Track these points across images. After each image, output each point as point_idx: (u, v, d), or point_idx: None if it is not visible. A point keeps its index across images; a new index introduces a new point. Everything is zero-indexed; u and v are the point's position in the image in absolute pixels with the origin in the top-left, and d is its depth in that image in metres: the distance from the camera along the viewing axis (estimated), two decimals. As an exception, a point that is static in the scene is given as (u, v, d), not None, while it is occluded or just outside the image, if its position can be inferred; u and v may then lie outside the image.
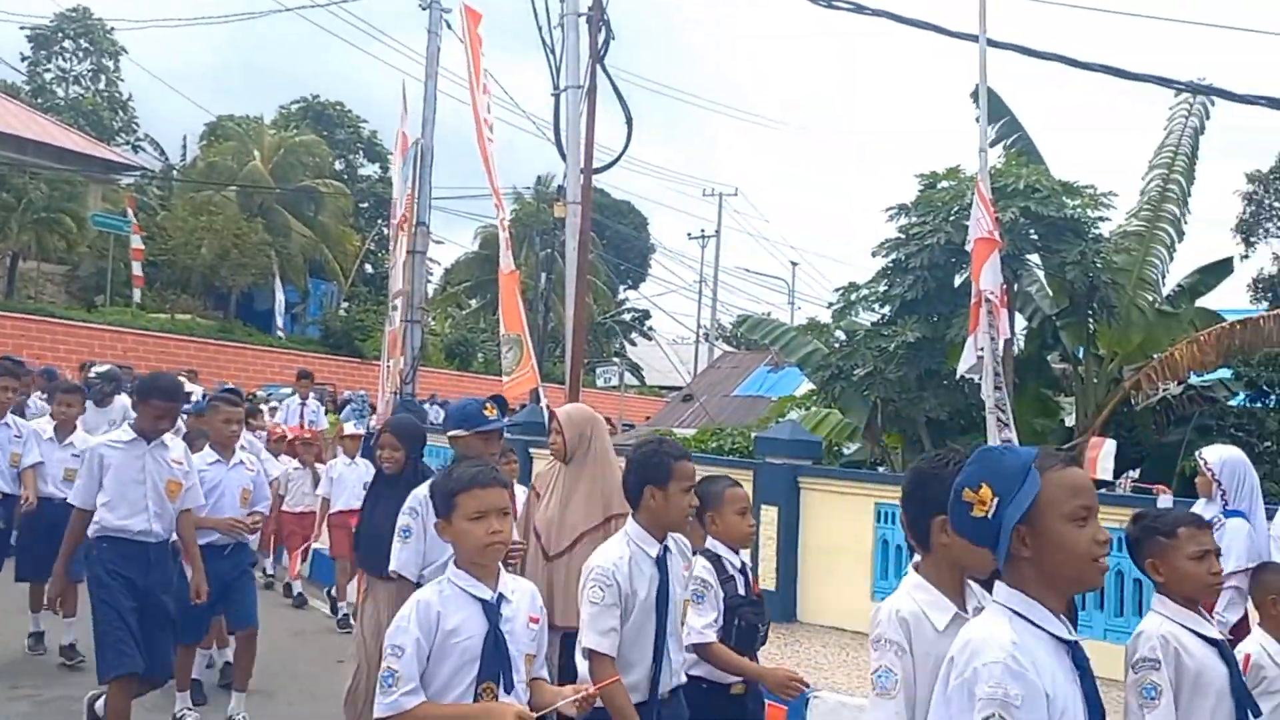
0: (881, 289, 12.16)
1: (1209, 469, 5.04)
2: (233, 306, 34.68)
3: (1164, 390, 12.11)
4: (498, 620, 2.86)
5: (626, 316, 50.28)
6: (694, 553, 3.86)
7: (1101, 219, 11.55)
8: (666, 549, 3.44)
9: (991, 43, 8.88)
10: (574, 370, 12.01)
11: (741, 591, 3.84)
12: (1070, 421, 12.94)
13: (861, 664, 7.62)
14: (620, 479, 4.48)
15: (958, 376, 9.62)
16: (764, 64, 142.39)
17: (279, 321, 33.94)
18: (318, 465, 9.27)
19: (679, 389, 33.09)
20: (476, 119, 11.40)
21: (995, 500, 1.98)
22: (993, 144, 12.52)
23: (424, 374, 24.85)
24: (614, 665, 3.23)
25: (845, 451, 14.86)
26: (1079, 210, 11.18)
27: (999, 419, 6.79)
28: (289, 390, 16.77)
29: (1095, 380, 12.38)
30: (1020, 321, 12.50)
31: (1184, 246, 12.84)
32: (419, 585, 4.15)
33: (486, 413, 4.63)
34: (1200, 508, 4.91)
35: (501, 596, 2.90)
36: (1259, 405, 12.36)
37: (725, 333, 44.95)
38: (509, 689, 2.85)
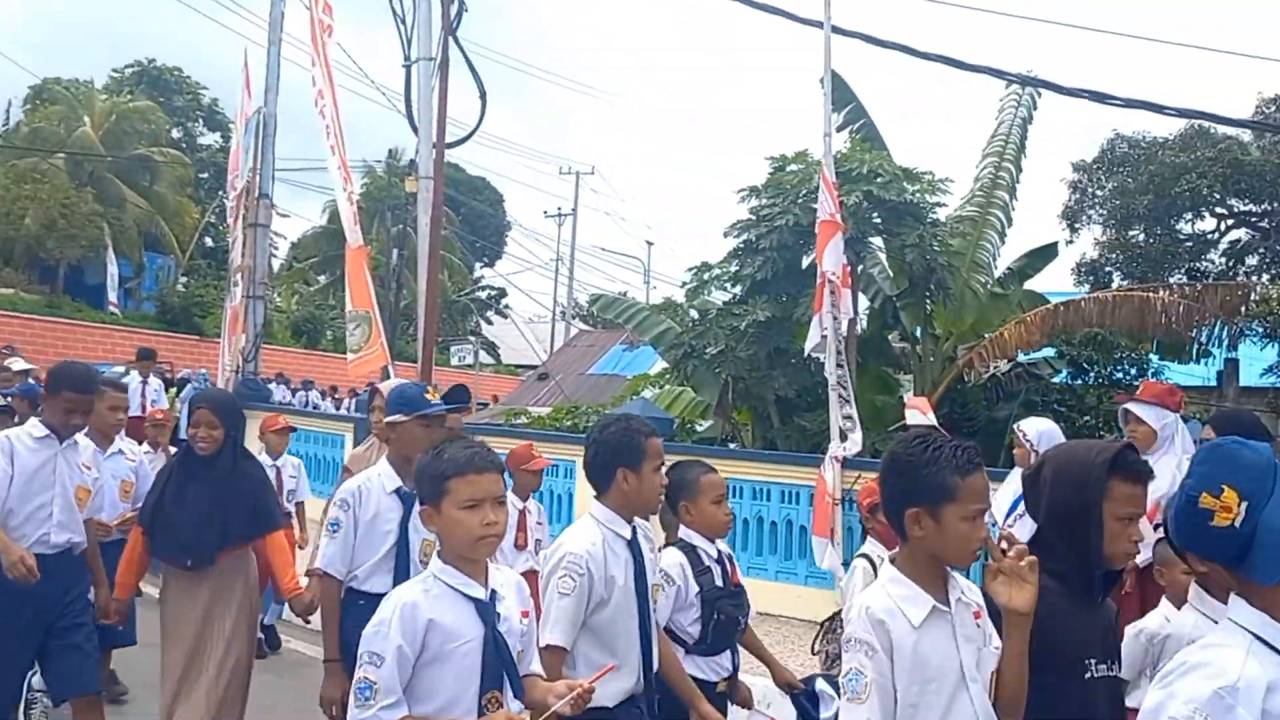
0: (733, 269, 12.34)
1: (1027, 440, 5.36)
2: (61, 280, 32.67)
3: (994, 368, 12.77)
4: (495, 621, 2.59)
5: (482, 294, 49.69)
6: (667, 544, 3.71)
7: (939, 204, 12.04)
8: (635, 531, 3.27)
9: (836, 29, 9.15)
10: (426, 348, 11.84)
11: (719, 583, 3.67)
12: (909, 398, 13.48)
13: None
14: None
15: (805, 355, 9.93)
16: (619, 41, 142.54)
17: (111, 296, 32.11)
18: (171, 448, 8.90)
19: (535, 367, 32.99)
20: (329, 86, 11.07)
21: (1243, 505, 1.65)
22: (839, 129, 12.88)
23: (269, 352, 24.04)
24: (565, 661, 3.06)
25: (698, 429, 15.14)
26: (918, 195, 11.61)
27: (840, 395, 7.04)
28: (122, 369, 15.97)
29: (932, 359, 12.93)
30: (863, 302, 12.92)
31: (1014, 231, 13.54)
32: (348, 587, 3.95)
33: (429, 396, 4.24)
34: (1016, 474, 5.22)
35: (494, 593, 2.63)
36: (1079, 382, 13.15)
37: (582, 311, 45.01)
38: (517, 694, 2.62)
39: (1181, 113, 11.29)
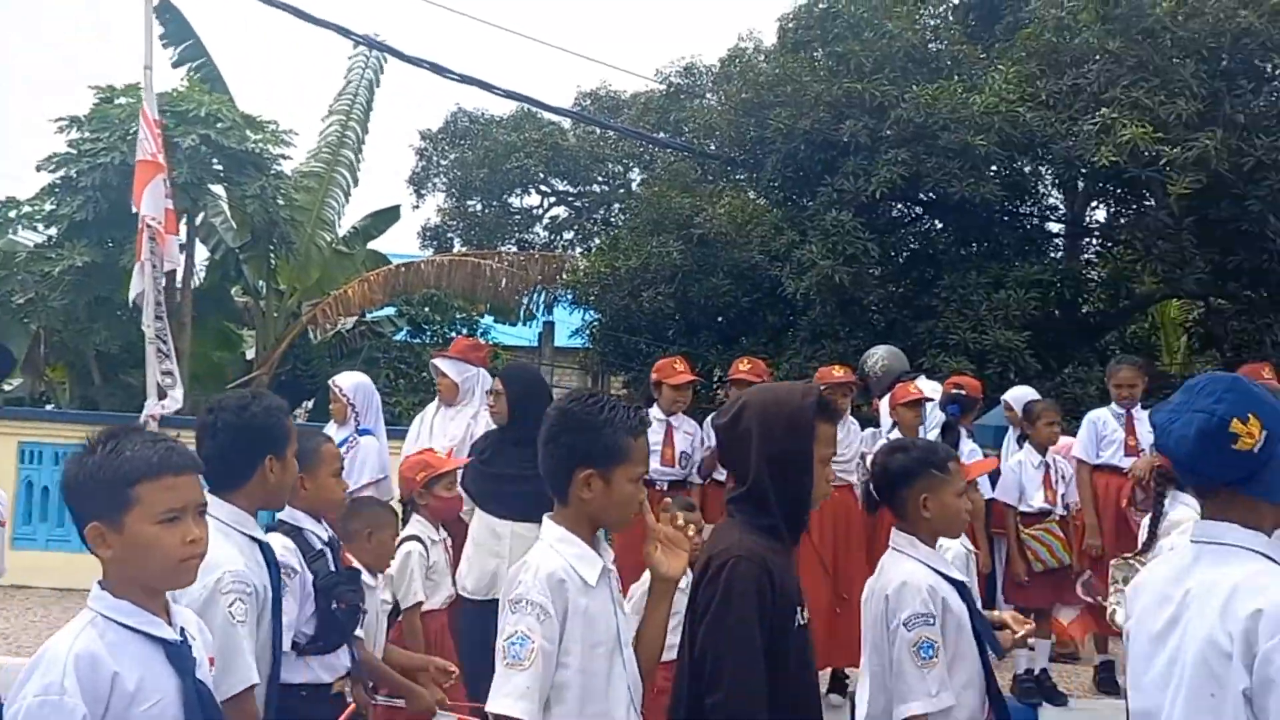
0: (48, 208, 11.23)
1: (344, 394, 5.52)
2: None
3: (340, 325, 13.02)
4: (192, 668, 2.00)
5: None
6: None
7: (284, 157, 11.93)
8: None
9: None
10: None
11: (333, 568, 3.19)
12: (251, 354, 13.24)
13: (11, 619, 6.99)
14: None
15: (131, 306, 9.25)
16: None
17: None
18: None
19: None
20: None
21: (1264, 435, 1.90)
22: (175, 65, 12.15)
23: None
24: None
25: (5, 388, 13.37)
26: (261, 145, 11.36)
27: (160, 350, 6.64)
28: None
29: (276, 314, 12.78)
30: (204, 252, 12.37)
31: (361, 192, 13.85)
32: None
33: None
34: (334, 430, 5.36)
35: (184, 632, 2.04)
36: (418, 340, 13.94)
37: None
38: None
39: (509, 94, 12.39)
